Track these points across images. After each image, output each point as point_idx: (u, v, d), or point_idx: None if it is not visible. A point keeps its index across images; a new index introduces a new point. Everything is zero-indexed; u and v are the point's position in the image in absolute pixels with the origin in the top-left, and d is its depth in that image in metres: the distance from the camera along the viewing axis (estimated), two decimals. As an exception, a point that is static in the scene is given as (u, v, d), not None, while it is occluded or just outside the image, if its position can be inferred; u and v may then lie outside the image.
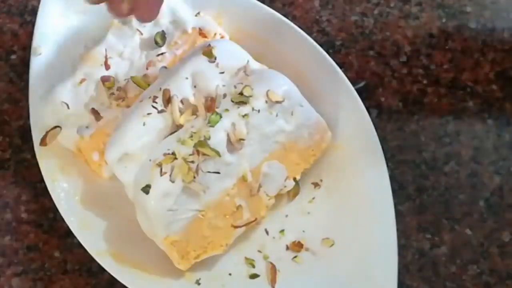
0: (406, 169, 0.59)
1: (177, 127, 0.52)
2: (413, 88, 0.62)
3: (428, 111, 0.61)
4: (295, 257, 0.54)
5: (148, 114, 0.52)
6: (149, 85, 0.55)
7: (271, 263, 0.54)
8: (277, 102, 0.52)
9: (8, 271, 0.56)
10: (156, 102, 0.52)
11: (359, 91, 0.58)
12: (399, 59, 0.63)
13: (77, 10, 0.60)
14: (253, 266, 0.54)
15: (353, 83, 0.57)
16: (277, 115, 0.53)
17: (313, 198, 0.56)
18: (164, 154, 0.50)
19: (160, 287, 0.52)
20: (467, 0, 0.65)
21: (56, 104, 0.56)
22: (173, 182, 0.49)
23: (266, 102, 0.52)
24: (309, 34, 0.59)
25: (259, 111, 0.52)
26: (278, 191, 0.55)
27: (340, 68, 0.57)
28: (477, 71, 0.62)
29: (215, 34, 0.59)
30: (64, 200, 0.54)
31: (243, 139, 0.52)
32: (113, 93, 0.56)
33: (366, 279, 0.52)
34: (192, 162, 0.50)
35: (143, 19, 0.50)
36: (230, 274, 0.53)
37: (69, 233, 0.55)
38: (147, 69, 0.56)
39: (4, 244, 0.57)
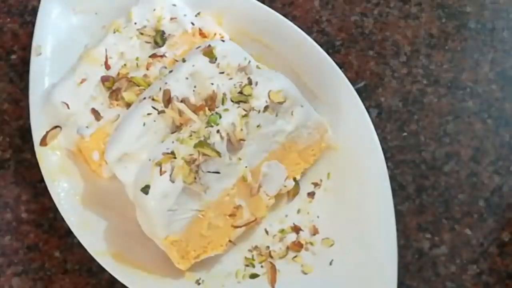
0: (406, 169, 0.59)
1: (177, 127, 0.52)
2: (413, 88, 0.62)
3: (428, 111, 0.61)
4: (295, 257, 0.54)
5: (148, 114, 0.52)
6: (149, 85, 0.55)
7: (271, 263, 0.54)
8: (278, 103, 0.52)
9: (8, 271, 0.56)
10: (156, 102, 0.52)
11: (359, 91, 0.58)
12: (399, 59, 0.63)
13: (77, 10, 0.60)
14: (253, 266, 0.54)
15: (353, 83, 0.57)
16: (277, 115, 0.53)
17: (313, 198, 0.56)
18: (163, 154, 0.50)
19: (160, 287, 0.52)
20: (467, 0, 0.65)
21: (56, 104, 0.56)
22: (173, 182, 0.49)
23: (267, 102, 0.52)
24: (309, 34, 0.59)
25: (259, 111, 0.52)
26: (278, 191, 0.55)
27: (340, 68, 0.57)
28: (477, 71, 0.62)
29: (215, 34, 0.59)
30: (64, 200, 0.54)
31: (243, 139, 0.52)
32: (113, 93, 0.56)
33: (366, 279, 0.52)
34: (192, 162, 0.50)
35: None
36: (230, 274, 0.53)
37: (69, 233, 0.55)
38: (147, 69, 0.56)
39: (4, 244, 0.57)
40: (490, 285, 0.56)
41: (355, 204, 0.54)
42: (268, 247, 0.55)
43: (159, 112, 0.52)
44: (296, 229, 0.55)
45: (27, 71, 0.58)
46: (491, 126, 0.60)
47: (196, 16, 0.59)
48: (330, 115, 0.56)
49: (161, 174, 0.50)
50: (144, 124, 0.52)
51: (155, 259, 0.53)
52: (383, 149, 0.55)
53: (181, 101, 0.52)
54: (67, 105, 0.56)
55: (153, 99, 0.52)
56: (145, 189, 0.50)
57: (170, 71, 0.54)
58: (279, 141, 0.54)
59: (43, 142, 0.56)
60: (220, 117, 0.51)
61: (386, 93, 0.62)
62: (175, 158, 0.50)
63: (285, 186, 0.55)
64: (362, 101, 0.56)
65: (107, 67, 0.57)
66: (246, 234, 0.54)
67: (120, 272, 0.52)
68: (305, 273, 0.54)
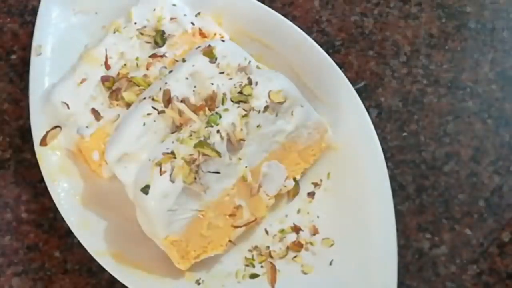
0: (406, 169, 0.59)
1: (177, 127, 0.52)
2: (413, 88, 0.62)
3: (428, 111, 0.61)
4: (295, 257, 0.54)
5: (148, 114, 0.52)
6: (149, 85, 0.55)
7: (271, 263, 0.54)
8: (278, 103, 0.52)
9: (8, 271, 0.56)
10: (156, 102, 0.52)
11: (359, 91, 0.58)
12: (399, 59, 0.63)
13: (77, 10, 0.60)
14: (253, 266, 0.54)
15: (353, 83, 0.57)
16: (277, 115, 0.53)
17: (313, 198, 0.56)
18: (163, 154, 0.50)
19: (160, 287, 0.52)
20: (467, 0, 0.65)
21: (56, 104, 0.56)
22: (173, 182, 0.49)
23: (267, 102, 0.52)
24: (309, 34, 0.59)
25: (259, 111, 0.52)
26: (278, 191, 0.55)
27: (340, 68, 0.57)
28: (477, 71, 0.62)
29: (215, 34, 0.59)
30: (64, 200, 0.54)
31: (243, 139, 0.52)
32: (113, 93, 0.56)
33: (366, 279, 0.52)
34: (192, 162, 0.50)
35: None
36: (230, 274, 0.53)
37: (69, 233, 0.55)
38: (147, 69, 0.57)
39: (4, 244, 0.57)
40: (490, 285, 0.56)
41: (355, 204, 0.54)
42: (268, 247, 0.55)
43: (159, 112, 0.52)
44: (296, 229, 0.55)
45: (27, 71, 0.58)
46: (491, 126, 0.60)
47: (196, 16, 0.59)
48: (330, 115, 0.56)
49: (161, 174, 0.50)
50: (144, 124, 0.52)
51: (155, 259, 0.53)
52: (383, 149, 0.55)
53: (181, 101, 0.52)
54: (67, 105, 0.56)
55: (153, 99, 0.52)
56: (145, 189, 0.50)
57: (170, 71, 0.54)
58: (279, 141, 0.54)
59: (43, 142, 0.56)
60: (220, 117, 0.51)
61: (386, 93, 0.62)
62: (175, 158, 0.50)
63: (285, 186, 0.55)
64: (362, 101, 0.56)
65: (107, 67, 0.57)
66: (246, 234, 0.54)
67: (120, 272, 0.52)
68: (305, 273, 0.54)
